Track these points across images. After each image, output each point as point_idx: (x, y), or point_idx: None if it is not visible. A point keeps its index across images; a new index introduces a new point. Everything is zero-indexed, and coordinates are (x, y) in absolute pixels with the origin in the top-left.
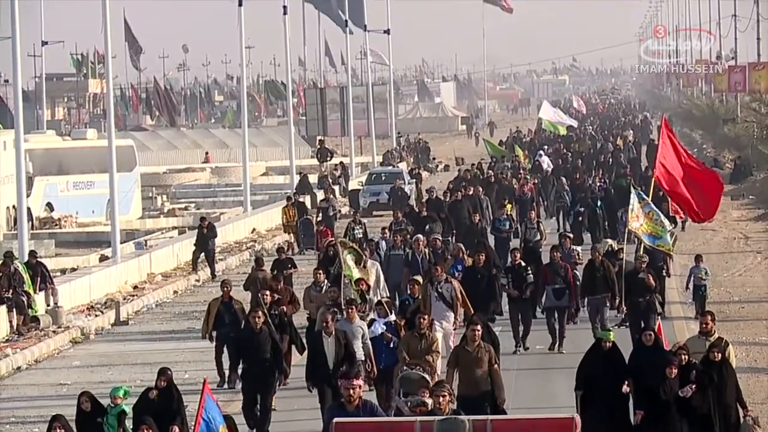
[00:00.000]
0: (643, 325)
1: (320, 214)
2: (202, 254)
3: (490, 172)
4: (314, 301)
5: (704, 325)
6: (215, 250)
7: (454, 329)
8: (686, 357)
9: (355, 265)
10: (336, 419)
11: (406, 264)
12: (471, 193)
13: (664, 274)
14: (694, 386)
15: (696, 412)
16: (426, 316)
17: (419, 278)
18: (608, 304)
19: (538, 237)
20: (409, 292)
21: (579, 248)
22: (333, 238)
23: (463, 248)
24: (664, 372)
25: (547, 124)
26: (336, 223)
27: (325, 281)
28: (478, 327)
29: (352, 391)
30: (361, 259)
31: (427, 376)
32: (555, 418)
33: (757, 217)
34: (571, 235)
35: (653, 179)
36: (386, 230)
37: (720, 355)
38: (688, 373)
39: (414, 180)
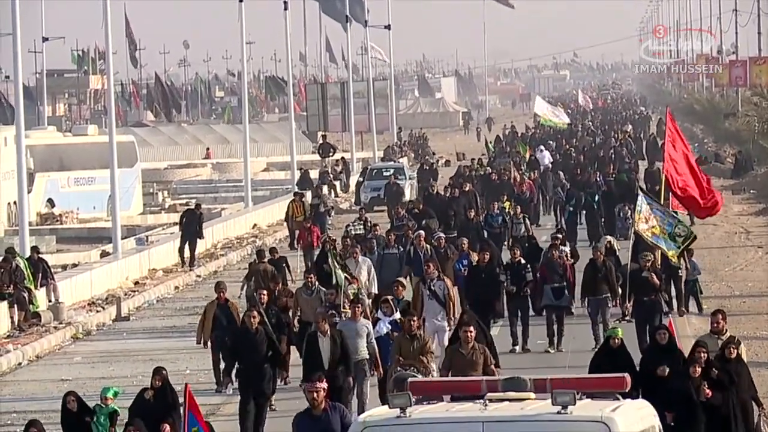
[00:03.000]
0: (648, 325)
1: (312, 211)
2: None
3: (489, 169)
4: (304, 305)
5: (715, 324)
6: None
7: (448, 328)
8: (705, 354)
9: (340, 270)
10: (411, 379)
11: (407, 261)
12: (467, 189)
13: (681, 273)
14: (706, 386)
15: (717, 411)
16: (415, 319)
17: (403, 280)
18: (610, 304)
19: (524, 232)
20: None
21: (567, 248)
22: (328, 236)
23: (467, 243)
24: (680, 372)
25: (546, 120)
26: (329, 219)
27: (316, 284)
28: (471, 328)
29: (315, 395)
30: (341, 263)
31: (421, 377)
32: (609, 377)
33: (758, 211)
34: (560, 236)
35: (664, 174)
36: (377, 227)
37: (736, 351)
38: (707, 371)
39: (416, 175)
